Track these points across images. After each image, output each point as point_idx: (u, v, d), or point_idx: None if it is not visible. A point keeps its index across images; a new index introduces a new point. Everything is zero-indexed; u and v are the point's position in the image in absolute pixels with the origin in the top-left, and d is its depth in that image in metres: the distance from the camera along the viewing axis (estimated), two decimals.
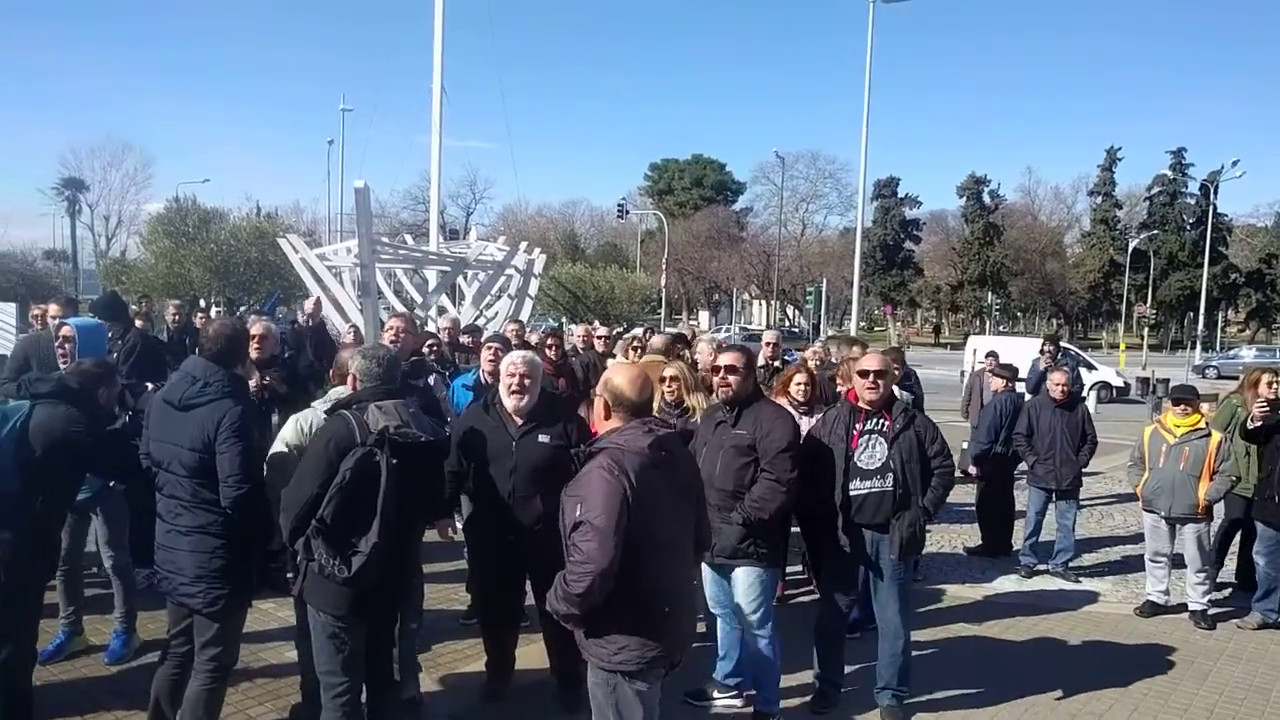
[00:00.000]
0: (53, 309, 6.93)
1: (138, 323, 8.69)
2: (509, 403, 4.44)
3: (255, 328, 5.93)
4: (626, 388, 3.23)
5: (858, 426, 4.65)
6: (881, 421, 4.65)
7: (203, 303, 33.83)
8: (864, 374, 4.67)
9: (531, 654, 4.89)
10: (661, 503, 3.11)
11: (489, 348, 6.35)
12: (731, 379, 4.52)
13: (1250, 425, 6.41)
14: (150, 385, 4.67)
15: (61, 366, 5.51)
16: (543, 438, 4.40)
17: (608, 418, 3.26)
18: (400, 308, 15.98)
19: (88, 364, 4.27)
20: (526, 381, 4.41)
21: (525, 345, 7.11)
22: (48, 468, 3.71)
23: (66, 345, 5.38)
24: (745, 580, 4.47)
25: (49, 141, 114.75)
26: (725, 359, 4.58)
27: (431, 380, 6.49)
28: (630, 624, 3.07)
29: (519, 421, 4.43)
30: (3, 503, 3.62)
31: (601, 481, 2.99)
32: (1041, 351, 10.90)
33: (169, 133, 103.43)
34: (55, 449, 3.71)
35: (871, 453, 4.60)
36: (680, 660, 3.30)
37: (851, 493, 4.57)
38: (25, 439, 3.67)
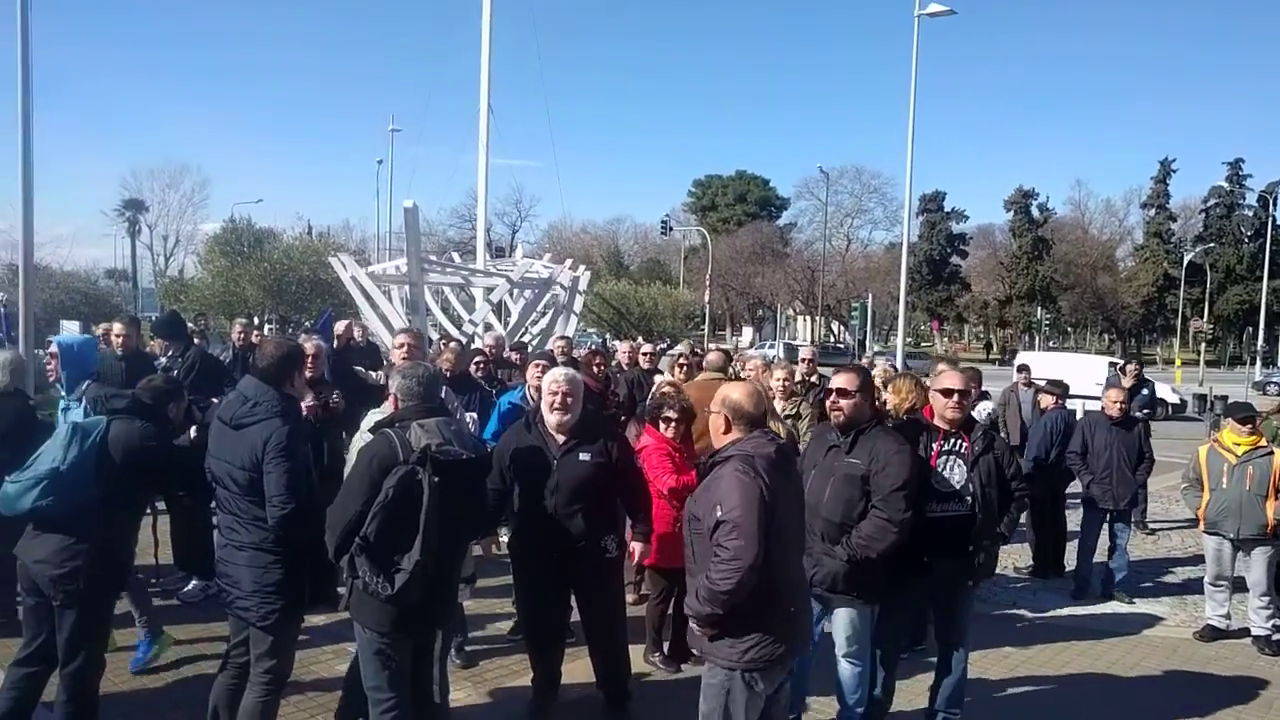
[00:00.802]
0: (116, 327, 7.12)
1: (195, 340, 8.94)
2: (550, 420, 4.49)
3: (307, 346, 6.06)
4: (745, 401, 3.44)
5: (935, 446, 4.48)
6: (959, 442, 4.48)
7: (256, 320, 34.61)
8: (947, 393, 4.50)
9: (577, 670, 4.91)
10: (789, 505, 3.30)
11: (536, 365, 6.39)
12: (843, 403, 4.27)
13: None
14: (216, 400, 4.79)
15: (49, 380, 5.62)
16: (584, 456, 4.44)
17: (727, 431, 3.44)
18: (448, 325, 16.20)
19: (159, 380, 4.42)
20: (569, 400, 4.46)
21: (572, 363, 7.13)
22: (124, 480, 3.85)
23: (52, 360, 5.49)
24: (845, 618, 4.36)
25: (110, 166, 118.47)
26: (838, 381, 4.36)
27: (443, 394, 6.53)
28: (761, 622, 3.21)
29: (560, 439, 4.47)
30: (85, 515, 3.76)
31: (738, 482, 3.17)
32: (1122, 370, 10.55)
33: (224, 154, 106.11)
34: (132, 461, 3.85)
35: (949, 474, 4.43)
36: (792, 666, 3.40)
37: (927, 514, 4.28)
38: (105, 452, 3.82)
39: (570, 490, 4.41)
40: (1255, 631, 6.26)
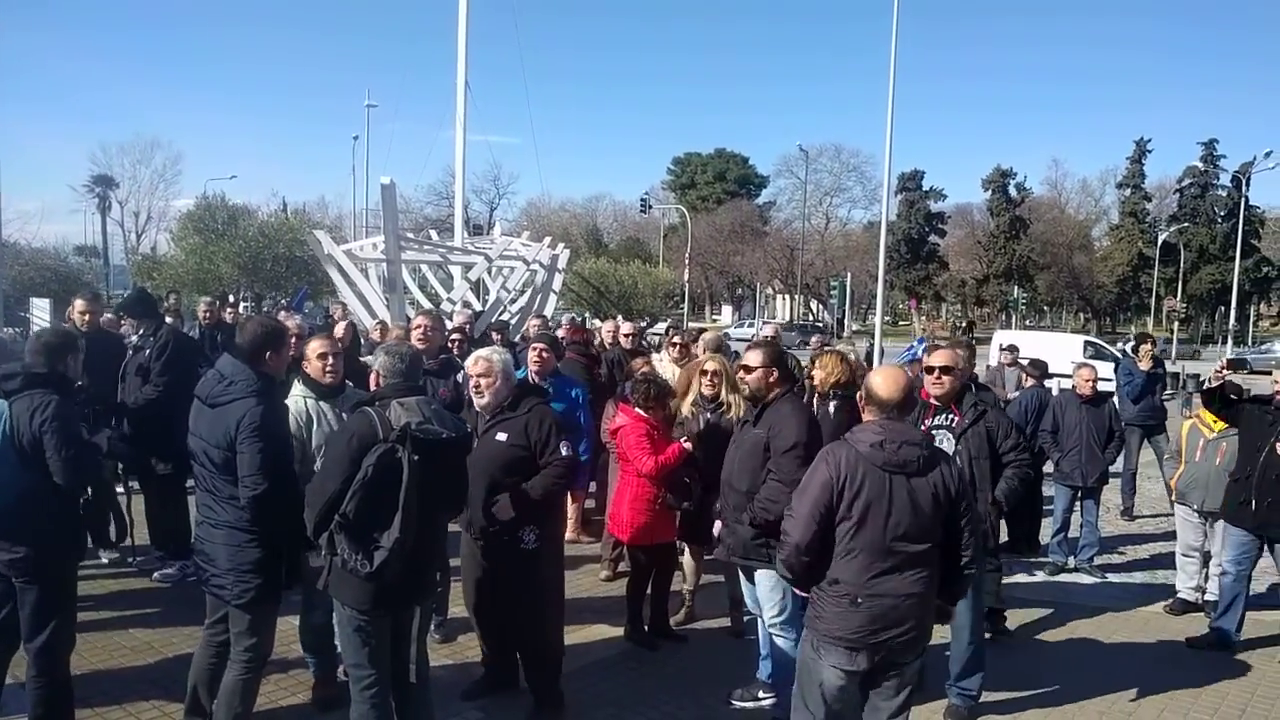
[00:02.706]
0: (78, 304, 6.94)
1: (168, 319, 8.78)
2: (476, 403, 4.42)
3: (289, 325, 5.99)
4: (876, 384, 3.50)
5: (926, 422, 4.57)
6: (950, 416, 4.60)
7: (231, 298, 34.19)
8: (929, 370, 4.67)
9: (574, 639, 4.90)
10: (875, 503, 3.25)
11: (535, 348, 6.33)
12: (749, 378, 4.46)
13: (1208, 385, 6.11)
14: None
15: None
16: (500, 436, 4.31)
17: (864, 410, 3.56)
18: (426, 303, 16.10)
19: (47, 335, 4.20)
20: (483, 382, 4.34)
21: (555, 341, 7.06)
22: (43, 456, 3.72)
23: None
24: (764, 583, 4.44)
25: (79, 144, 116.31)
26: (747, 358, 4.55)
27: (460, 377, 6.52)
28: (824, 600, 3.36)
29: (486, 417, 4.39)
30: (22, 500, 3.68)
31: (819, 467, 3.36)
32: (1134, 351, 10.24)
33: (196, 132, 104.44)
34: (40, 437, 3.70)
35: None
36: (882, 652, 3.34)
37: None
38: (13, 436, 3.69)
39: (480, 471, 4.18)
40: (1208, 596, 6.41)
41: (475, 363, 4.42)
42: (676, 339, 7.67)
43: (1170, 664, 5.57)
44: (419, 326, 6.40)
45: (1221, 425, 6.34)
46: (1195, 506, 6.43)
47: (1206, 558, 6.53)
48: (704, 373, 5.53)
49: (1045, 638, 5.97)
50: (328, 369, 4.43)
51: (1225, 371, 6.02)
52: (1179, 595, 6.60)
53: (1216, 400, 6.00)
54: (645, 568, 5.48)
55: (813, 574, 3.36)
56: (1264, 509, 5.47)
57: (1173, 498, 6.72)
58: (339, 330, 7.19)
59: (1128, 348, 10.77)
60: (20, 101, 71.03)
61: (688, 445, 5.27)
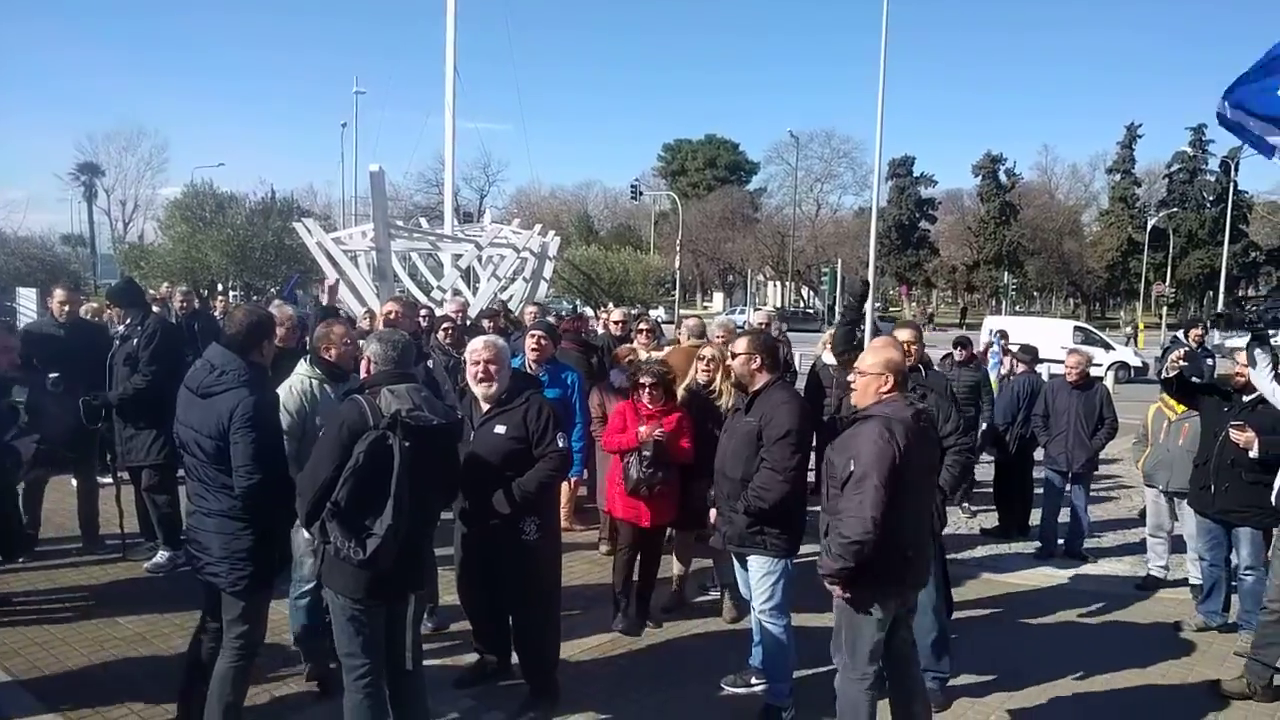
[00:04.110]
0: (58, 294, 6.87)
1: (155, 308, 8.70)
2: (476, 391, 4.36)
3: (280, 315, 5.94)
4: (904, 362, 3.87)
5: None
6: None
7: (220, 287, 34.03)
8: None
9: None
10: (918, 463, 3.65)
11: (532, 335, 6.32)
12: (734, 363, 4.54)
13: (1166, 374, 6.23)
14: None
15: None
16: (499, 429, 4.24)
17: (880, 389, 3.77)
18: (416, 291, 16.04)
19: None
20: (491, 368, 4.28)
21: (551, 328, 7.07)
22: None
23: None
24: (756, 570, 4.44)
25: (65, 134, 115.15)
26: (735, 345, 4.59)
27: (430, 364, 6.52)
28: (879, 562, 3.56)
29: (484, 409, 4.32)
30: None
31: (872, 444, 3.55)
32: (1185, 336, 10.06)
33: (183, 120, 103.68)
34: None
35: None
36: (912, 599, 3.89)
37: None
38: None
39: (480, 465, 4.18)
40: (1192, 581, 6.43)
41: (485, 347, 4.32)
42: (643, 325, 7.73)
43: (1156, 646, 5.62)
44: (389, 312, 6.45)
45: (1183, 407, 6.42)
46: (1161, 487, 6.54)
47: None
48: (700, 358, 5.55)
49: (1031, 621, 6.02)
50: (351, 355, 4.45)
51: (1181, 362, 6.15)
52: (1150, 573, 6.77)
53: (1175, 387, 6.14)
54: (629, 545, 5.46)
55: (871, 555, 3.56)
56: (1222, 494, 5.58)
57: (1141, 479, 6.81)
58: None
59: (1179, 334, 10.72)
60: (5, 90, 70.33)
61: (644, 432, 5.25)
